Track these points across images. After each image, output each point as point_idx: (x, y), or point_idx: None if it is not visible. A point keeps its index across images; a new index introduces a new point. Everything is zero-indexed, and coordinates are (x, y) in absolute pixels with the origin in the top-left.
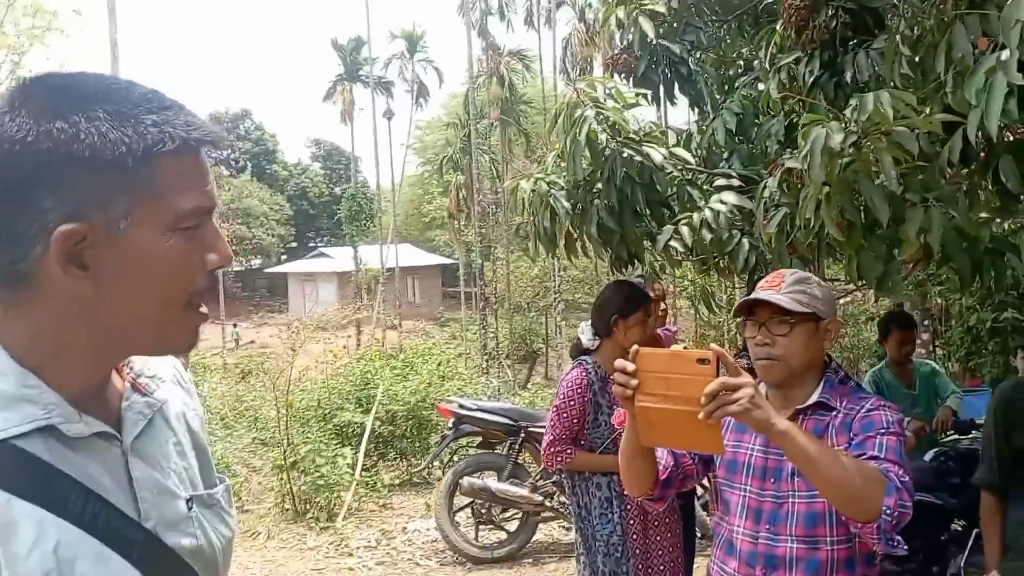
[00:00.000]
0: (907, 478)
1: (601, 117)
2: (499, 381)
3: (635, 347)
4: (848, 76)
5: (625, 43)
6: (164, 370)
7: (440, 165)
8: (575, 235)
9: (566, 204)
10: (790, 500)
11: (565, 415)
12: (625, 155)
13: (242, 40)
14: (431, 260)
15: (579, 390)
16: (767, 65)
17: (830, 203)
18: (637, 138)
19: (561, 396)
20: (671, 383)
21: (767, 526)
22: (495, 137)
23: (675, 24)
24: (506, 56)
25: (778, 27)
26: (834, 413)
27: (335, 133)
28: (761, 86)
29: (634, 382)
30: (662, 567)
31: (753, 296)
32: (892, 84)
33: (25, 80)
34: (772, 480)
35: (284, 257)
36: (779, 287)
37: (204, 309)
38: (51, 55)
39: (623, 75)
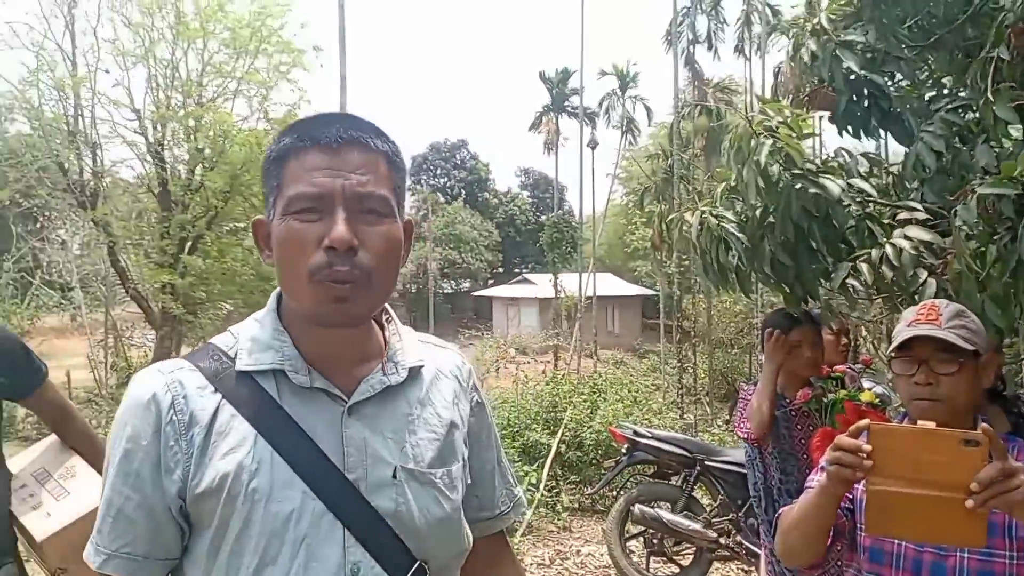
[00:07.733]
0: None
1: (775, 148)
2: (696, 417)
3: (866, 421)
4: None
5: (822, 76)
6: (431, 360)
7: (641, 196)
8: (746, 271)
9: (742, 237)
10: (956, 553)
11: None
12: (799, 187)
13: (460, 73)
14: (631, 290)
15: None
16: (988, 92)
17: None
18: (814, 169)
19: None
20: (923, 466)
21: None
22: (700, 168)
23: (874, 55)
24: (712, 88)
25: (1003, 55)
26: None
27: (543, 163)
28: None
29: (868, 463)
30: None
31: (914, 332)
32: None
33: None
34: None
35: (491, 281)
36: (938, 321)
37: (337, 286)
38: (295, 88)
39: (822, 111)
